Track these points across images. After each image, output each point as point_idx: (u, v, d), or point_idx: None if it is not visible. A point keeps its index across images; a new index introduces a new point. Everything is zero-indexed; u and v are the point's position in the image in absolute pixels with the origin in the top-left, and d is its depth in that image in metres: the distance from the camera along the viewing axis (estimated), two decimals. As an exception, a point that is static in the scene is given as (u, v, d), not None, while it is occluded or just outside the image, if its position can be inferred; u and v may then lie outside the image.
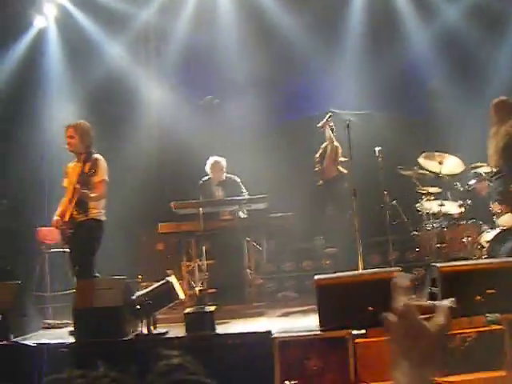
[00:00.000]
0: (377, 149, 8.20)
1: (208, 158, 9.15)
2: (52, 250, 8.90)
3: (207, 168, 9.13)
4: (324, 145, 8.82)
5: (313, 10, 10.90)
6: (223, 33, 10.82)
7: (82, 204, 7.14)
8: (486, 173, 8.68)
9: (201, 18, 10.76)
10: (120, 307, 6.39)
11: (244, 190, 8.92)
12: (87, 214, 7.19)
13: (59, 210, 7.25)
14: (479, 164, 8.65)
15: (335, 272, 6.37)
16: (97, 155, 7.30)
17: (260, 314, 7.64)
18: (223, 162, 9.11)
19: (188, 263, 8.33)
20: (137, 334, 6.46)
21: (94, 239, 7.26)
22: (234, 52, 10.76)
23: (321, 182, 8.86)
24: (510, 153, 7.38)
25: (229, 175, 9.13)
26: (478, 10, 10.76)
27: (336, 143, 8.70)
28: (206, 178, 9.12)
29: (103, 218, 7.33)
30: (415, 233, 9.22)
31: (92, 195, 7.10)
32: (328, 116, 8.50)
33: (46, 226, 8.88)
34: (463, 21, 10.82)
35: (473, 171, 8.83)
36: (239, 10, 10.81)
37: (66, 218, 7.14)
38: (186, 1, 10.75)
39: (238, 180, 9.06)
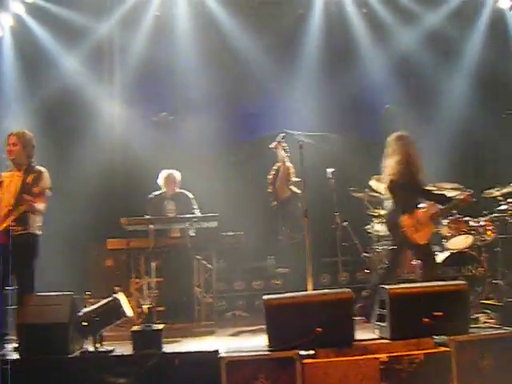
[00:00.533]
0: (329, 170, 8.24)
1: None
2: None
3: (159, 181, 9.05)
4: (277, 166, 8.82)
5: (271, 31, 10.98)
6: (181, 50, 10.82)
7: (22, 216, 6.91)
8: None
9: (159, 35, 10.76)
10: (66, 324, 6.26)
11: (195, 207, 8.87)
12: (27, 228, 6.98)
13: None
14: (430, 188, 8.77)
15: (286, 292, 6.35)
16: (40, 167, 7.13)
17: (209, 333, 7.59)
18: (177, 175, 9.07)
19: (137, 280, 8.21)
20: (82, 352, 6.34)
21: (34, 254, 7.06)
22: (191, 70, 10.76)
23: (275, 202, 8.85)
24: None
25: (182, 190, 9.08)
26: (433, 37, 11.00)
27: (288, 164, 8.72)
28: (158, 192, 9.05)
29: (40, 233, 7.14)
30: (365, 254, 9.31)
31: (37, 208, 6.94)
32: (281, 137, 8.51)
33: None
34: (418, 47, 11.04)
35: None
36: (199, 28, 10.84)
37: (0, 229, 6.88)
38: (144, 16, 10.73)
39: (191, 196, 9.01)
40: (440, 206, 7.52)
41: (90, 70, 10.77)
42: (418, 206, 7.40)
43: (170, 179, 9.03)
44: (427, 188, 7.58)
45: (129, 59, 10.87)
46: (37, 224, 7.08)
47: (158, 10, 10.73)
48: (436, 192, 7.73)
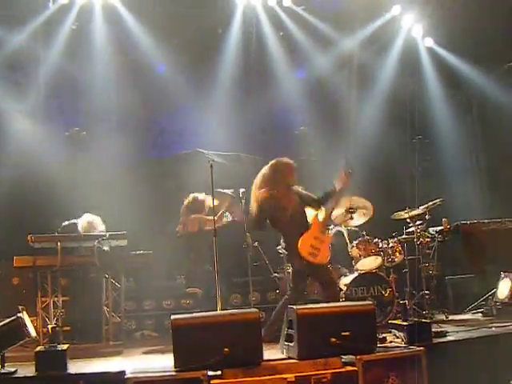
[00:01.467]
0: (241, 190, 8.26)
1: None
2: None
3: (79, 226, 8.75)
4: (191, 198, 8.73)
5: (188, 48, 10.98)
6: (97, 65, 10.69)
7: None
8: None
9: (75, 48, 10.60)
10: (-36, 344, 6.03)
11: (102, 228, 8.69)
12: None
13: None
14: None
15: (196, 312, 6.31)
16: None
17: (116, 354, 7.44)
18: (97, 221, 8.75)
19: (43, 299, 7.99)
20: (-18, 374, 6.11)
21: None
22: (105, 85, 10.65)
23: (179, 234, 8.79)
24: None
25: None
26: (347, 62, 11.25)
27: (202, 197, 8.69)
28: (74, 221, 8.78)
29: None
30: (276, 274, 9.35)
31: None
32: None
33: None
34: (333, 71, 11.27)
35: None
36: (115, 43, 10.74)
37: None
38: (61, 29, 10.54)
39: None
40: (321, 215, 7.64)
41: (2, 81, 10.48)
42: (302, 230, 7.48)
43: (89, 225, 8.75)
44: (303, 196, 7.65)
45: (42, 72, 10.65)
46: None
47: (74, 23, 10.56)
48: (322, 194, 7.77)
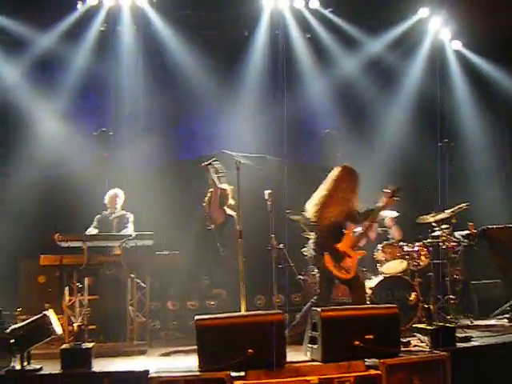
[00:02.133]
0: (266, 192, 8.27)
1: (104, 191, 9.10)
2: None
3: (105, 199, 9.03)
4: (210, 189, 8.77)
5: (215, 51, 11.01)
6: (125, 67, 10.78)
7: None
8: None
9: (103, 50, 10.67)
10: (-9, 340, 6.11)
11: (130, 227, 8.81)
12: None
13: None
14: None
15: (220, 313, 6.33)
16: None
17: (140, 353, 7.50)
18: (120, 194, 9.04)
19: (69, 297, 8.07)
20: (8, 370, 6.18)
21: None
22: (133, 87, 10.72)
23: (212, 226, 8.81)
24: None
25: (124, 212, 9.04)
26: (374, 65, 11.22)
27: (225, 186, 8.68)
28: (101, 214, 9.00)
29: None
30: (300, 277, 9.35)
31: None
32: (212, 160, 8.42)
33: None
34: (360, 73, 11.24)
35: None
36: (143, 46, 10.81)
37: None
38: (88, 31, 10.63)
39: (130, 217, 8.98)
40: (359, 230, 7.62)
41: (31, 82, 10.61)
42: (337, 243, 7.45)
43: (113, 199, 9.04)
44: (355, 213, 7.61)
45: (71, 73, 10.74)
46: None
47: (102, 25, 10.65)
48: (364, 211, 7.74)
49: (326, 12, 11.08)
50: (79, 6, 10.45)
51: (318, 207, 7.48)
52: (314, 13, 11.13)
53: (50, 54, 10.66)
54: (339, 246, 7.37)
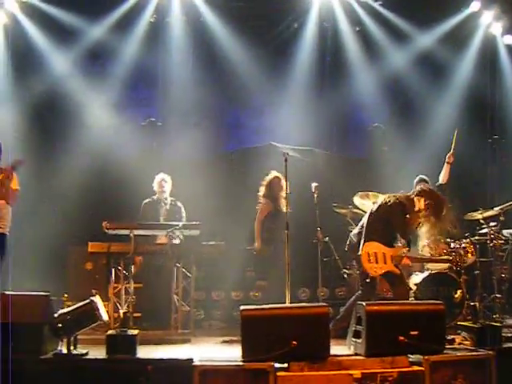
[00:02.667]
0: (313, 184, 8.26)
1: (152, 180, 9.22)
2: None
3: (154, 184, 9.15)
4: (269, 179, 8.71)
5: (264, 43, 11.02)
6: (173, 57, 10.86)
7: None
8: None
9: (152, 41, 10.77)
10: (40, 324, 6.22)
11: (183, 217, 8.91)
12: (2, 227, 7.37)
13: None
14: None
15: (264, 305, 6.35)
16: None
17: (184, 342, 7.55)
18: (168, 179, 9.16)
19: (115, 285, 8.18)
20: (55, 354, 6.29)
21: (5, 253, 7.26)
22: (181, 77, 10.79)
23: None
24: None
25: (173, 199, 9.13)
26: (424, 59, 11.08)
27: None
28: (150, 198, 9.10)
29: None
30: (346, 271, 9.32)
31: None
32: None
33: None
34: (409, 67, 11.12)
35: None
36: (191, 37, 10.88)
37: None
38: (139, 23, 10.73)
39: (182, 207, 9.07)
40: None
41: (81, 72, 10.76)
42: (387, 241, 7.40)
43: (162, 183, 9.15)
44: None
45: (121, 64, 10.86)
46: (8, 223, 7.41)
47: (152, 16, 10.73)
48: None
49: (376, 5, 10.99)
50: (130, -3, 10.55)
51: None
52: (364, 6, 11.06)
53: (101, 45, 10.80)
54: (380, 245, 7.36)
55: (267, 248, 8.45)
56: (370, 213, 7.51)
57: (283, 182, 8.10)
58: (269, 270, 8.44)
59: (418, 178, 9.06)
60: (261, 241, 8.49)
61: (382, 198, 7.55)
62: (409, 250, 7.52)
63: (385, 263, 7.30)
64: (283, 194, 8.02)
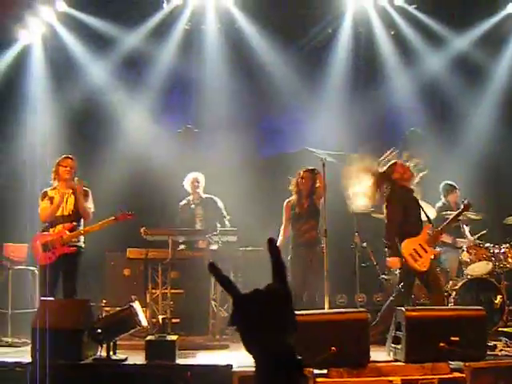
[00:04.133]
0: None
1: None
2: (16, 267, 8.77)
3: (185, 184, 9.22)
4: None
5: (298, 48, 11.03)
6: (209, 64, 10.90)
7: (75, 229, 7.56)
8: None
9: (188, 48, 10.83)
10: (80, 330, 6.29)
11: (225, 214, 8.96)
12: (79, 239, 7.64)
13: (54, 233, 7.47)
14: (449, 212, 8.71)
15: (301, 310, 6.33)
16: (83, 182, 7.75)
17: (223, 348, 7.57)
18: (201, 177, 9.20)
19: (153, 291, 8.24)
20: (95, 359, 6.36)
21: (80, 266, 7.66)
22: (217, 84, 10.81)
23: None
24: None
25: (209, 195, 9.17)
26: (460, 62, 10.97)
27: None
28: (185, 200, 9.16)
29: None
30: (383, 276, 9.25)
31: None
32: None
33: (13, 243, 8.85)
34: (445, 71, 11.02)
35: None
36: (226, 43, 10.90)
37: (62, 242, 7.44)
38: (174, 30, 10.80)
39: (220, 202, 9.10)
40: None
41: (118, 80, 10.87)
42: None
43: (193, 182, 9.26)
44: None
45: (156, 71, 10.95)
46: (82, 239, 7.69)
47: (187, 23, 10.80)
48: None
49: (411, 8, 10.91)
50: (165, 5, 10.61)
51: None
52: (398, 9, 10.98)
53: (137, 53, 10.90)
54: (416, 238, 7.38)
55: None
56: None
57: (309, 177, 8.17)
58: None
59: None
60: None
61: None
62: (431, 224, 7.58)
63: (426, 252, 7.32)
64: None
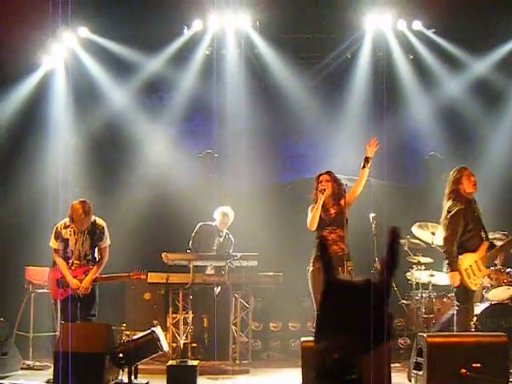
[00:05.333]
0: (371, 215, 8.25)
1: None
2: (38, 291, 8.83)
3: (216, 214, 9.24)
4: None
5: (318, 73, 11.09)
6: (229, 89, 10.96)
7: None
8: None
9: (208, 73, 10.90)
10: (102, 354, 6.32)
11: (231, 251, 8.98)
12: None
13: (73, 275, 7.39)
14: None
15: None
16: (100, 220, 7.59)
17: (243, 372, 7.59)
18: (231, 214, 9.25)
19: (174, 315, 8.27)
20: (117, 383, 6.38)
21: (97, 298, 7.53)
22: (237, 109, 10.89)
23: None
24: None
25: (228, 232, 9.21)
26: (479, 86, 10.97)
27: None
28: (209, 224, 9.19)
29: None
30: (403, 301, 9.22)
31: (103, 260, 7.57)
32: None
33: (35, 266, 8.91)
34: (464, 95, 11.02)
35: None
36: (247, 68, 10.98)
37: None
38: (194, 55, 10.90)
39: (233, 241, 9.15)
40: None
41: (139, 105, 10.99)
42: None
43: (223, 215, 9.21)
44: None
45: (177, 96, 11.05)
46: None
47: (207, 48, 10.89)
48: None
49: (429, 33, 10.94)
50: (185, 30, 10.72)
51: None
52: (417, 34, 11.01)
53: (158, 78, 11.01)
54: (474, 254, 7.24)
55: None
56: None
57: None
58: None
59: None
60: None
61: None
62: (489, 242, 7.41)
63: (480, 270, 7.20)
64: None
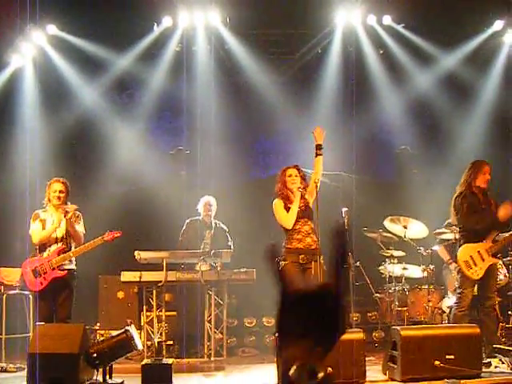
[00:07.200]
0: (343, 209, 8.27)
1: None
2: (10, 292, 8.74)
3: (199, 206, 9.20)
4: None
5: (288, 69, 11.10)
6: (199, 86, 10.92)
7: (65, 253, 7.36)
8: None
9: (178, 70, 10.85)
10: (76, 354, 6.26)
11: (230, 241, 8.95)
12: (72, 261, 7.47)
13: (43, 258, 7.31)
14: (443, 230, 8.73)
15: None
16: (74, 206, 7.55)
17: (219, 369, 7.58)
18: (213, 201, 9.19)
19: (148, 313, 8.22)
20: (91, 383, 6.34)
21: (74, 288, 7.47)
22: (208, 105, 10.86)
23: None
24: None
25: (217, 222, 9.16)
26: (449, 80, 11.06)
27: None
28: (195, 219, 9.14)
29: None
30: (377, 295, 9.28)
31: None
32: None
33: (6, 267, 8.81)
34: (434, 89, 11.10)
35: (438, 237, 8.90)
36: (217, 64, 10.94)
37: (52, 266, 7.27)
38: (164, 52, 10.84)
39: (226, 229, 9.11)
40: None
41: (109, 102, 10.90)
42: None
43: (206, 205, 9.18)
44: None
45: (147, 93, 10.99)
46: (74, 261, 7.54)
47: (178, 45, 10.84)
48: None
49: (399, 27, 10.99)
50: (155, 27, 10.65)
51: None
52: (387, 29, 11.06)
53: (128, 75, 10.93)
54: (475, 245, 7.28)
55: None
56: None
57: None
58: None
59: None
60: None
61: None
62: (498, 231, 7.44)
63: (483, 260, 7.24)
64: None
